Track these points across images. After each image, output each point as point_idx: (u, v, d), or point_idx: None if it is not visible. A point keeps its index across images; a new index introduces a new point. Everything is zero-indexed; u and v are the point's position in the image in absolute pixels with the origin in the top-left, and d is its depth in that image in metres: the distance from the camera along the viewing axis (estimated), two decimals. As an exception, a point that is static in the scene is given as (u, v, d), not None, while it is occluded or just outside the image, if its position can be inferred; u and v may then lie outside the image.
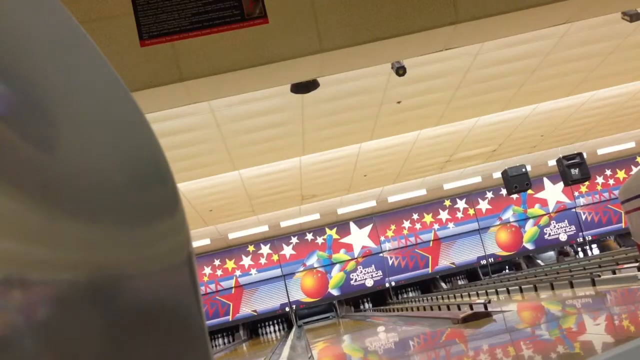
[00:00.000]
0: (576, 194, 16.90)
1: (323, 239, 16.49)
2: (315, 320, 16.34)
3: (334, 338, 10.39)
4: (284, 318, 16.62)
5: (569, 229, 16.85)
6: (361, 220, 16.48)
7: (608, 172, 16.81)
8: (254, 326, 16.68)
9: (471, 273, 17.05)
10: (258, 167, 9.16)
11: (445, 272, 16.68)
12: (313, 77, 4.93)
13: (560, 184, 14.81)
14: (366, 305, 17.09)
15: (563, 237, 16.84)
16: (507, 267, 16.97)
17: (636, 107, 10.70)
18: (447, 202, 16.69)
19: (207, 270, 16.14)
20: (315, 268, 16.41)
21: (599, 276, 7.59)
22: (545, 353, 4.03)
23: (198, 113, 6.55)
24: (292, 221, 14.66)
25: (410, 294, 16.79)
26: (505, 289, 10.17)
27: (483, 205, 16.82)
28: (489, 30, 4.43)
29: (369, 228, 16.58)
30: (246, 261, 16.35)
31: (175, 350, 0.54)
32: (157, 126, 5.67)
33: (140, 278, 0.52)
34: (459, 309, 7.70)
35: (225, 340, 16.16)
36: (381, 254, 16.54)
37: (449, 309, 8.62)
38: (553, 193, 16.83)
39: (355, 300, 16.97)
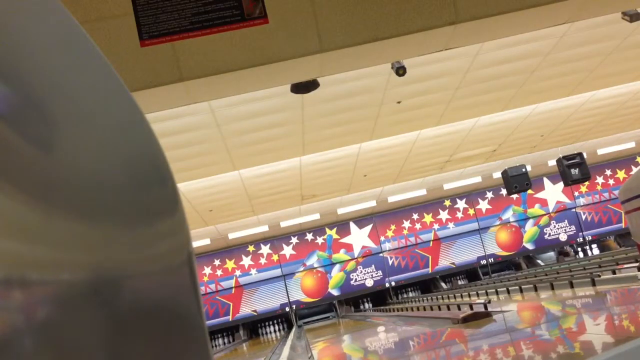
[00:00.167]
0: (576, 194, 16.90)
1: (323, 239, 16.49)
2: (315, 320, 16.34)
3: (334, 338, 10.39)
4: (284, 318, 16.62)
5: (569, 229, 16.85)
6: (361, 220, 16.48)
7: (608, 172, 16.81)
8: (254, 326, 16.68)
9: (471, 273, 17.05)
10: (258, 167, 9.16)
11: (445, 272, 16.68)
12: (313, 77, 4.93)
13: (560, 184, 14.81)
14: (366, 305, 17.08)
15: (563, 237, 16.84)
16: (512, 267, 16.93)
17: (636, 107, 10.70)
18: (447, 202, 16.69)
19: (207, 270, 16.14)
20: (315, 268, 16.41)
21: (599, 276, 7.59)
22: (545, 353, 4.03)
23: (198, 113, 6.55)
24: (292, 221, 14.66)
25: (410, 294, 16.79)
26: (505, 289, 10.17)
27: (483, 205, 16.82)
28: (489, 30, 4.43)
29: (369, 228, 16.59)
30: (246, 261, 16.36)
31: (175, 350, 0.54)
32: (157, 126, 5.67)
33: (140, 278, 0.52)
34: (459, 309, 7.70)
35: (225, 340, 16.16)
36: (381, 254, 16.54)
37: (449, 309, 8.62)
38: (553, 193, 16.84)
39: (355, 300, 16.97)
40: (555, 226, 16.85)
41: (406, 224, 16.65)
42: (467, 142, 10.44)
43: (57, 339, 0.41)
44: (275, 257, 16.39)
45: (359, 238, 16.57)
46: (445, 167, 12.30)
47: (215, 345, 15.71)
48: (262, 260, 16.37)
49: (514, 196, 15.51)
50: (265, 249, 16.39)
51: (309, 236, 16.46)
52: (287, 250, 16.43)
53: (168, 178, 0.59)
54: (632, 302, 5.84)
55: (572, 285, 8.00)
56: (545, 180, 16.65)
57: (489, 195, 16.79)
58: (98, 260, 0.47)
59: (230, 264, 16.30)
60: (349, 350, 7.88)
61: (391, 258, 16.56)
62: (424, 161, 11.24)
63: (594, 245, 17.04)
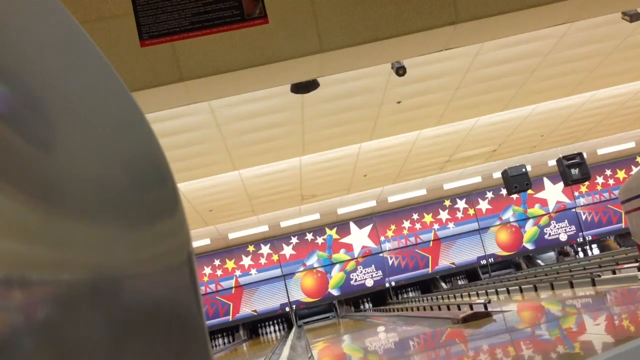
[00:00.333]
0: (576, 194, 16.90)
1: (323, 239, 16.49)
2: (315, 320, 16.33)
3: (334, 338, 10.39)
4: (284, 318, 16.62)
5: (569, 229, 16.85)
6: (361, 220, 16.48)
7: (608, 172, 16.81)
8: (254, 326, 16.68)
9: (471, 273, 17.05)
10: (258, 167, 9.16)
11: (445, 272, 16.68)
12: (313, 77, 4.93)
13: (560, 184, 14.82)
14: (366, 305, 17.08)
15: (563, 237, 16.84)
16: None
17: (636, 107, 10.70)
18: (447, 202, 16.69)
19: (207, 270, 16.14)
20: (315, 268, 16.41)
21: (599, 276, 7.59)
22: (545, 353, 4.03)
23: (198, 113, 6.55)
24: (292, 221, 14.66)
25: (410, 294, 16.78)
26: (505, 289, 10.17)
27: (483, 205, 16.82)
28: (489, 30, 4.43)
29: (369, 228, 16.59)
30: (246, 261, 16.36)
31: (175, 350, 0.54)
32: (157, 126, 5.67)
33: (140, 278, 0.52)
34: (459, 309, 7.70)
35: (225, 340, 16.16)
36: (381, 254, 16.54)
37: (449, 309, 8.62)
38: (553, 193, 16.84)
39: (355, 300, 16.97)
40: (555, 226, 16.85)
41: (406, 224, 16.65)
42: (467, 142, 10.44)
43: (57, 339, 0.41)
44: (275, 257, 16.39)
45: (359, 238, 16.57)
46: (445, 167, 12.30)
47: (215, 345, 15.71)
48: (262, 260, 16.37)
49: (514, 196, 15.51)
50: (265, 249, 16.39)
51: (309, 236, 16.46)
52: (287, 250, 16.43)
53: (168, 178, 0.59)
54: (632, 302, 5.84)
55: (572, 285, 8.00)
56: (545, 180, 16.65)
57: (489, 195, 16.79)
58: (98, 260, 0.47)
59: (230, 264, 16.30)
60: (349, 350, 7.88)
61: (391, 258, 16.56)
62: (424, 161, 11.24)
63: (594, 245, 17.04)
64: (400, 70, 5.54)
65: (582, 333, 4.55)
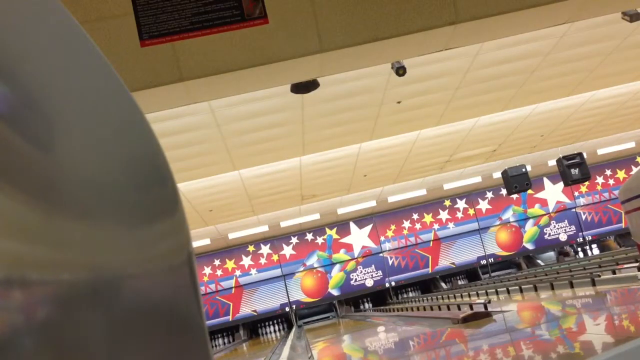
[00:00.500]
0: (576, 194, 16.90)
1: (323, 239, 16.49)
2: (315, 320, 16.33)
3: (334, 338, 10.39)
4: (284, 318, 16.62)
5: (569, 229, 16.85)
6: (361, 220, 16.48)
7: (608, 172, 16.81)
8: (254, 326, 16.68)
9: (471, 273, 17.05)
10: (258, 167, 9.16)
11: (445, 272, 16.68)
12: (313, 77, 4.93)
13: (560, 184, 14.81)
14: (366, 305, 17.08)
15: (563, 237, 16.84)
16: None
17: (636, 107, 10.70)
18: (447, 202, 16.69)
19: (207, 270, 16.14)
20: (315, 268, 16.41)
21: (599, 276, 7.59)
22: (545, 353, 4.03)
23: (198, 113, 6.55)
24: (292, 221, 14.66)
25: (410, 294, 16.79)
26: (505, 289, 10.17)
27: (483, 205, 16.82)
28: (489, 30, 4.43)
29: (369, 228, 16.59)
30: (246, 261, 16.36)
31: (175, 350, 0.54)
32: (157, 126, 5.67)
33: (140, 278, 0.52)
34: (459, 309, 7.70)
35: (225, 340, 16.16)
36: (381, 254, 16.54)
37: (449, 309, 8.62)
38: (553, 193, 16.84)
39: (355, 300, 16.97)
40: (555, 226, 16.85)
41: (406, 224, 16.65)
42: (467, 142, 10.44)
43: (57, 339, 0.41)
44: (275, 257, 16.39)
45: (359, 238, 16.57)
46: (445, 167, 12.30)
47: (215, 345, 15.71)
48: (262, 260, 16.37)
49: (514, 196, 15.51)
50: (265, 249, 16.39)
51: (309, 236, 16.46)
52: (287, 250, 16.43)
53: (168, 178, 0.59)
54: (632, 302, 5.84)
55: (572, 285, 8.00)
56: (545, 180, 16.65)
57: (489, 195, 16.79)
58: (98, 260, 0.47)
59: (230, 264, 16.30)
60: (349, 350, 7.88)
61: (391, 258, 16.56)
62: (424, 161, 11.24)
63: (594, 245, 17.04)
64: (400, 70, 5.54)
65: (582, 333, 4.55)
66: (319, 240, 16.48)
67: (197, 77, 3.96)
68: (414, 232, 16.64)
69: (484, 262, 16.60)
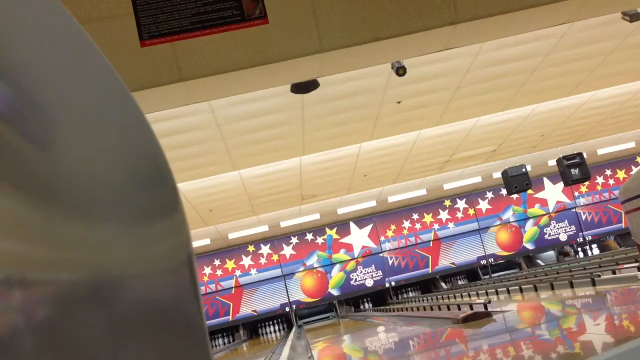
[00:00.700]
0: (576, 194, 16.90)
1: (323, 239, 16.49)
2: (315, 320, 16.33)
3: (334, 338, 10.39)
4: (284, 318, 16.62)
5: (569, 229, 16.85)
6: (361, 220, 16.48)
7: (608, 172, 16.81)
8: (254, 326, 16.68)
9: (471, 273, 17.05)
10: (258, 167, 9.16)
11: (445, 272, 16.68)
12: (313, 77, 4.93)
13: (560, 184, 14.81)
14: (366, 305, 17.08)
15: (563, 237, 16.84)
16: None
17: (636, 107, 10.70)
18: (447, 202, 16.69)
19: (207, 270, 16.14)
20: (315, 268, 16.41)
21: (599, 276, 7.59)
22: (545, 353, 4.03)
23: (198, 113, 6.55)
24: (292, 221, 14.66)
25: (410, 294, 16.78)
26: (505, 289, 10.17)
27: (483, 205, 16.82)
28: (489, 30, 4.43)
29: (369, 228, 16.59)
30: (246, 261, 16.36)
31: (175, 350, 0.54)
32: (157, 126, 5.67)
33: (140, 278, 0.52)
34: (459, 309, 7.70)
35: (225, 340, 16.16)
36: (381, 254, 16.54)
37: (449, 309, 8.62)
38: (553, 193, 16.84)
39: (355, 300, 16.97)
40: (555, 226, 16.85)
41: (406, 224, 16.65)
42: (467, 142, 10.44)
43: (57, 339, 0.41)
44: (275, 257, 16.39)
45: (359, 238, 16.57)
46: (445, 167, 12.30)
47: (215, 345, 15.71)
48: (262, 260, 16.37)
49: (514, 196, 15.51)
50: (265, 249, 16.39)
51: (309, 236, 16.46)
52: (287, 250, 16.43)
53: (168, 178, 0.59)
54: (632, 302, 5.84)
55: (572, 285, 8.00)
56: (545, 180, 16.65)
57: (489, 195, 16.79)
58: (98, 260, 0.47)
59: (230, 264, 16.30)
60: (349, 350, 7.88)
61: (391, 258, 16.56)
62: (424, 161, 11.24)
63: (594, 245, 17.04)
64: (400, 70, 5.54)
65: (582, 333, 4.55)
66: (319, 240, 16.48)
67: (197, 77, 3.96)
68: (414, 232, 16.64)
69: (484, 262, 16.60)
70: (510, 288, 10.02)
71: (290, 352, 8.21)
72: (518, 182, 12.13)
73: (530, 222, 16.85)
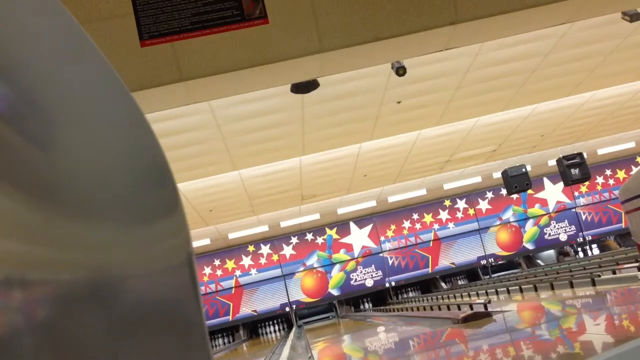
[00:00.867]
0: (576, 194, 16.90)
1: (323, 239, 16.49)
2: (315, 320, 16.34)
3: (334, 338, 10.39)
4: (284, 318, 16.62)
5: (569, 229, 16.85)
6: (361, 220, 16.48)
7: (608, 172, 16.81)
8: (254, 326, 16.68)
9: (471, 273, 17.05)
10: (258, 167, 9.16)
11: (445, 272, 16.68)
12: (313, 77, 4.93)
13: (560, 184, 14.81)
14: (366, 305, 17.08)
15: (563, 237, 16.84)
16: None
17: (636, 107, 10.70)
18: (447, 202, 16.69)
19: (207, 270, 16.14)
20: (315, 268, 16.41)
21: (599, 276, 7.59)
22: (545, 353, 4.03)
23: (198, 113, 6.55)
24: (292, 221, 14.66)
25: (410, 294, 16.79)
26: (505, 289, 10.17)
27: (483, 205, 16.82)
28: (489, 30, 4.43)
29: (369, 228, 16.59)
30: (246, 261, 16.36)
31: (175, 350, 0.54)
32: (157, 126, 5.67)
33: (140, 278, 0.52)
34: (459, 309, 7.70)
35: (225, 340, 16.17)
36: (381, 254, 16.54)
37: (449, 309, 8.62)
38: (553, 193, 16.84)
39: (355, 300, 16.97)
40: (555, 226, 16.85)
41: (406, 224, 16.65)
42: (467, 142, 10.44)
43: (57, 339, 0.41)
44: (275, 257, 16.39)
45: (359, 238, 16.57)
46: (445, 167, 12.30)
47: (215, 345, 15.71)
48: (262, 260, 16.37)
49: (514, 196, 15.51)
50: (265, 249, 16.39)
51: (309, 236, 16.46)
52: (287, 250, 16.43)
53: (168, 178, 0.59)
54: (632, 302, 5.84)
55: (572, 285, 8.00)
56: (545, 180, 16.65)
57: (489, 195, 16.79)
58: (98, 260, 0.47)
59: (230, 264, 16.30)
60: (349, 350, 7.88)
61: (391, 258, 16.56)
62: (424, 161, 11.24)
63: (594, 245, 17.04)
64: (400, 70, 5.54)
65: (582, 333, 4.55)
66: (319, 240, 16.48)
67: (197, 77, 3.96)
68: (414, 232, 16.64)
69: (484, 262, 16.61)
70: (510, 288, 10.02)
71: (290, 352, 8.21)
72: (518, 182, 12.13)
73: (530, 222, 16.85)
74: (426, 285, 16.93)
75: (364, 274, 16.45)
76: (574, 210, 16.92)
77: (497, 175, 13.75)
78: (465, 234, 16.68)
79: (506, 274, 16.07)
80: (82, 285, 0.45)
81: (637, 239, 5.70)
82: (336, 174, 10.67)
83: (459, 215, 16.75)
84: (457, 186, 14.88)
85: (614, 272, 7.80)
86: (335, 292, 16.37)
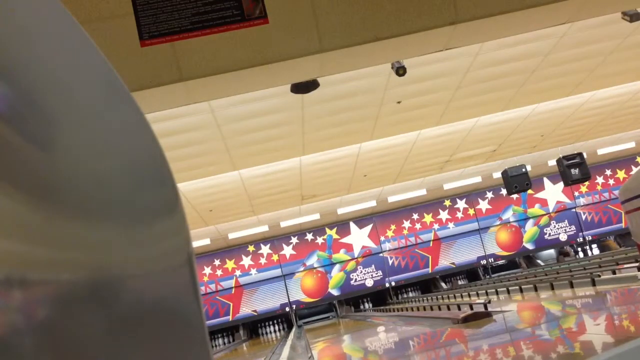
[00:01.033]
0: (576, 194, 16.90)
1: (323, 239, 16.49)
2: (315, 320, 16.34)
3: (334, 338, 10.39)
4: (284, 318, 16.62)
5: (569, 229, 16.85)
6: (361, 220, 16.48)
7: (608, 172, 16.81)
8: (254, 326, 16.68)
9: (471, 273, 17.05)
10: (258, 167, 9.16)
11: (445, 272, 16.68)
12: (313, 77, 4.93)
13: (560, 184, 14.81)
14: (366, 305, 17.08)
15: (563, 237, 16.84)
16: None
17: (636, 107, 10.70)
18: (447, 202, 16.69)
19: (207, 270, 16.14)
20: (315, 268, 16.41)
21: (599, 276, 7.59)
22: (545, 353, 4.03)
23: (198, 113, 6.55)
24: (292, 221, 14.66)
25: (410, 294, 16.79)
26: (505, 289, 10.17)
27: (483, 205, 16.82)
28: (489, 30, 4.43)
29: (369, 228, 16.59)
30: (246, 261, 16.36)
31: (175, 350, 0.54)
32: (157, 126, 5.67)
33: (140, 278, 0.52)
34: (459, 309, 7.70)
35: (225, 340, 16.17)
36: (381, 254, 16.54)
37: (449, 309, 8.62)
38: (553, 193, 16.83)
39: (355, 300, 16.97)
40: (555, 226, 16.85)
41: (406, 224, 16.65)
42: (467, 142, 10.44)
43: (57, 339, 0.41)
44: (275, 257, 16.39)
45: (359, 238, 16.57)
46: (445, 167, 12.30)
47: (215, 345, 15.71)
48: (262, 260, 16.37)
49: (514, 196, 15.51)
50: (265, 249, 16.39)
51: (309, 236, 16.46)
52: (287, 250, 16.43)
53: (168, 178, 0.59)
54: (632, 302, 5.83)
55: (572, 285, 8.00)
56: (545, 180, 16.65)
57: (489, 195, 16.79)
58: (98, 260, 0.47)
59: (230, 264, 16.30)
60: (349, 350, 7.88)
61: (391, 258, 16.56)
62: (424, 161, 11.24)
63: (594, 245, 17.04)
64: (400, 70, 5.54)
65: (582, 333, 4.55)
66: (319, 240, 16.48)
67: (197, 77, 3.96)
68: (414, 232, 16.64)
69: (484, 262, 16.61)
70: (510, 288, 10.02)
71: (290, 352, 8.21)
72: (518, 182, 12.13)
73: (530, 222, 16.85)
74: (426, 285, 16.93)
75: (364, 274, 16.45)
76: (574, 210, 16.92)
77: (497, 175, 13.75)
78: (465, 234, 16.69)
79: (506, 274, 16.07)
80: (82, 285, 0.45)
81: (637, 239, 5.70)
82: (336, 174, 10.68)
83: (459, 215, 16.75)
84: (457, 186, 14.88)
85: (614, 272, 7.80)
86: (335, 292, 16.37)
